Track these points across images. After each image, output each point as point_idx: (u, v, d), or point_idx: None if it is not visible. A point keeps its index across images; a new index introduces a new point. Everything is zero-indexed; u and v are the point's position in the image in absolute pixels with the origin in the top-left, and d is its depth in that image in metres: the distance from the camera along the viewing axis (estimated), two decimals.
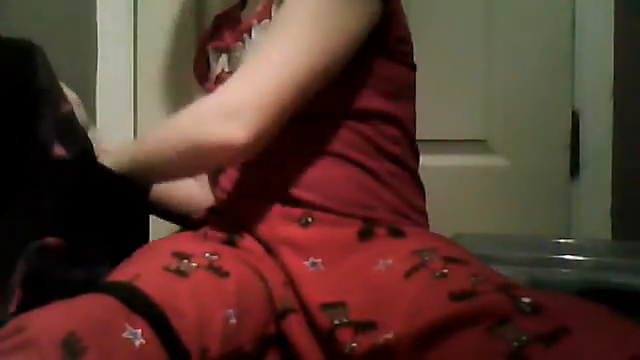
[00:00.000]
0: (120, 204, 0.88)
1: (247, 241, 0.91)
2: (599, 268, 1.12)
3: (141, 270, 0.75)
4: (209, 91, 1.10)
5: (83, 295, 0.69)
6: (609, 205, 1.54)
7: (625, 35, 1.53)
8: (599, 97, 1.54)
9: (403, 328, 0.70)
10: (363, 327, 0.74)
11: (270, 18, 0.99)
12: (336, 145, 0.94)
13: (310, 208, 0.91)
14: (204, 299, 0.74)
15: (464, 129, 1.56)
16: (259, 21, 1.01)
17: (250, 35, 1.02)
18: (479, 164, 1.58)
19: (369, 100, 0.96)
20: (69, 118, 0.86)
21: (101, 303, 0.67)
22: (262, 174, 0.95)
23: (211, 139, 0.85)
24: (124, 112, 1.50)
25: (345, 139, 0.94)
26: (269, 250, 0.90)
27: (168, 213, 1.13)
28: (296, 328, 0.80)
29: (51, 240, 0.78)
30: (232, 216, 0.95)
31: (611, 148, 1.54)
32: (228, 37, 1.09)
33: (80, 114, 0.95)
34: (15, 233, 0.78)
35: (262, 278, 0.84)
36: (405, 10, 1.03)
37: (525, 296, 0.67)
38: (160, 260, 0.78)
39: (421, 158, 1.06)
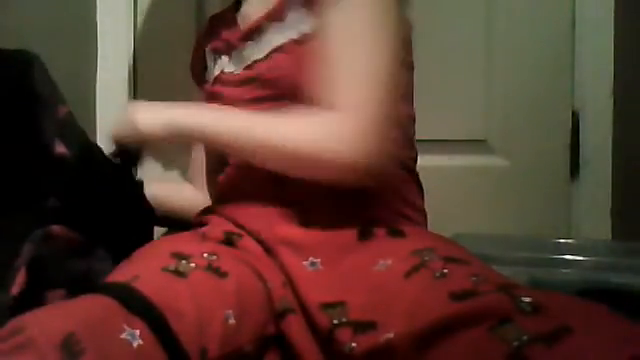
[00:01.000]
0: (120, 198, 0.89)
1: (246, 241, 0.91)
2: (599, 268, 1.12)
3: (140, 271, 0.75)
4: (207, 92, 1.10)
5: (81, 296, 0.69)
6: (609, 205, 1.54)
7: (625, 35, 1.53)
8: (599, 97, 1.54)
9: (404, 328, 0.70)
10: (362, 327, 0.74)
11: (283, 20, 0.98)
12: None
13: (309, 208, 0.91)
14: (203, 300, 0.74)
15: (464, 129, 1.56)
16: (271, 21, 1.01)
17: (260, 35, 1.02)
18: (479, 164, 1.58)
19: None
20: (67, 119, 0.88)
21: (99, 304, 0.67)
22: (261, 174, 0.95)
23: (333, 164, 0.87)
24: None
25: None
26: (268, 250, 0.90)
27: (168, 220, 1.12)
28: (295, 328, 0.80)
29: (56, 228, 0.79)
30: (231, 216, 0.95)
31: (611, 148, 1.54)
32: (230, 37, 1.08)
33: None
34: (18, 231, 0.78)
35: (261, 278, 0.84)
36: None
37: (525, 296, 0.67)
38: (159, 261, 0.78)
39: (421, 158, 1.06)
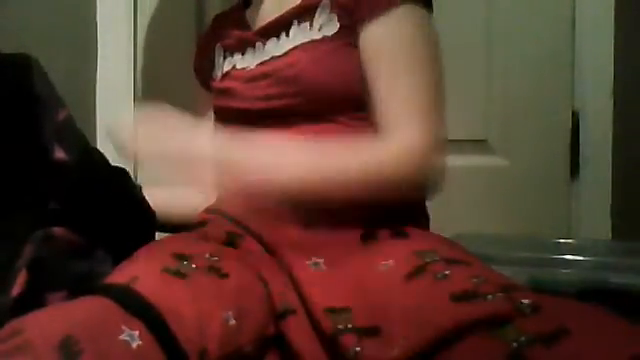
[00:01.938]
0: (120, 202, 0.89)
1: (247, 242, 0.91)
2: (599, 268, 1.12)
3: (140, 272, 0.75)
4: (216, 87, 1.10)
5: (80, 297, 0.69)
6: (609, 205, 1.54)
7: (625, 35, 1.53)
8: (599, 97, 1.54)
9: (407, 342, 0.70)
10: (366, 332, 0.74)
11: (311, 23, 0.99)
12: None
13: (312, 209, 0.91)
14: (203, 300, 0.73)
15: (464, 129, 1.56)
16: (296, 20, 1.01)
17: (281, 32, 1.02)
18: (479, 164, 1.58)
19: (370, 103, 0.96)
20: (67, 123, 0.87)
21: (98, 305, 0.67)
22: None
23: (404, 186, 0.92)
24: (124, 112, 1.49)
25: (348, 141, 0.95)
26: (270, 251, 0.90)
27: (169, 226, 1.11)
28: (296, 329, 0.80)
29: (57, 229, 0.79)
30: (233, 217, 0.95)
31: (611, 148, 1.54)
32: (244, 35, 1.08)
33: None
34: (18, 232, 0.78)
35: (262, 279, 0.84)
36: None
37: (525, 297, 0.67)
38: (159, 261, 0.78)
39: None
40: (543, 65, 1.56)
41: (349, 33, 0.96)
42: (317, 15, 0.99)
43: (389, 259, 0.82)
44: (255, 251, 0.89)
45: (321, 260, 0.86)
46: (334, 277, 0.83)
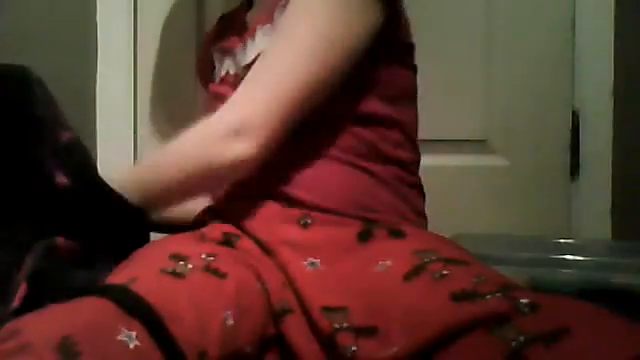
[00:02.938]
0: (123, 226, 0.88)
1: (245, 242, 0.91)
2: (599, 268, 1.12)
3: (138, 272, 0.75)
4: (212, 91, 1.10)
5: (78, 298, 0.69)
6: (609, 205, 1.54)
7: (625, 35, 1.53)
8: (599, 97, 1.54)
9: (405, 341, 0.70)
10: (364, 332, 0.74)
11: (272, 22, 0.98)
12: (337, 148, 0.95)
13: (309, 209, 0.91)
14: (202, 301, 0.73)
15: (464, 129, 1.56)
16: (262, 25, 1.01)
17: (253, 38, 1.02)
18: (479, 164, 1.58)
19: (372, 105, 0.96)
20: (70, 146, 0.85)
21: (96, 306, 0.67)
22: (261, 175, 0.94)
23: (222, 160, 0.88)
24: (124, 112, 1.49)
25: (346, 142, 0.95)
26: (267, 251, 0.90)
27: (169, 225, 1.10)
28: (294, 329, 0.80)
29: (60, 240, 0.78)
30: (230, 217, 0.95)
31: (611, 148, 1.54)
32: (233, 39, 1.08)
33: None
34: (19, 242, 0.77)
35: (260, 279, 0.84)
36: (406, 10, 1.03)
37: (524, 296, 0.67)
38: (157, 262, 0.78)
39: (421, 158, 1.06)
40: (543, 65, 1.56)
41: None
42: (277, 16, 0.98)
43: (387, 259, 0.82)
44: (252, 251, 0.89)
45: (318, 260, 0.86)
46: (331, 276, 0.83)
